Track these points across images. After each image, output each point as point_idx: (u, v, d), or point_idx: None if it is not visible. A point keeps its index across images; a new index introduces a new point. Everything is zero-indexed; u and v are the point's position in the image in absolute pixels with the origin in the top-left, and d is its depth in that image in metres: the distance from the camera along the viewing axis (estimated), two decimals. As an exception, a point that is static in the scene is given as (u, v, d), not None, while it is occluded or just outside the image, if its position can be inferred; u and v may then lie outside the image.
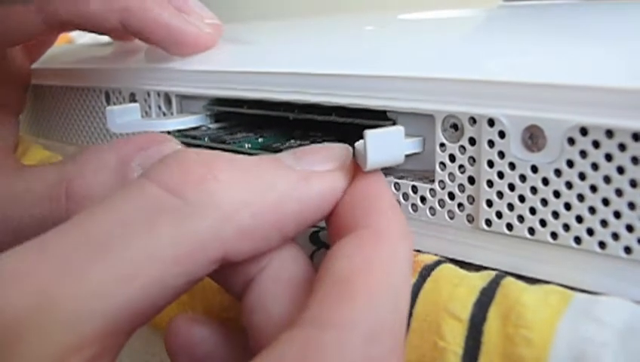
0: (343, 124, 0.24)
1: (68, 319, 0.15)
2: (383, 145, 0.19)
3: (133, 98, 0.31)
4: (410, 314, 0.19)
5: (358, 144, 0.20)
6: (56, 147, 0.39)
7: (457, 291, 0.18)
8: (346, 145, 0.21)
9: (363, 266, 0.16)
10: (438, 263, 0.19)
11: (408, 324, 0.18)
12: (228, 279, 0.19)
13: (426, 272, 0.19)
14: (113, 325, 0.15)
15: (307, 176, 0.19)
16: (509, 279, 0.18)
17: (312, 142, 0.25)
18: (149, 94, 0.30)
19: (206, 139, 0.26)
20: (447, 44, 0.23)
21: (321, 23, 0.31)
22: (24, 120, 0.41)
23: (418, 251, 0.22)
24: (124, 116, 0.27)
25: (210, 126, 0.28)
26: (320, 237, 0.21)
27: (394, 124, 0.22)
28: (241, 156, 0.19)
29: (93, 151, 0.25)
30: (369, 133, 0.19)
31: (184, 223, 0.16)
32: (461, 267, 0.20)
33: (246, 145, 0.24)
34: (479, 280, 0.18)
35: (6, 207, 0.25)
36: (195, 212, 0.16)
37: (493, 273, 0.19)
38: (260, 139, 0.25)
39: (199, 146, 0.26)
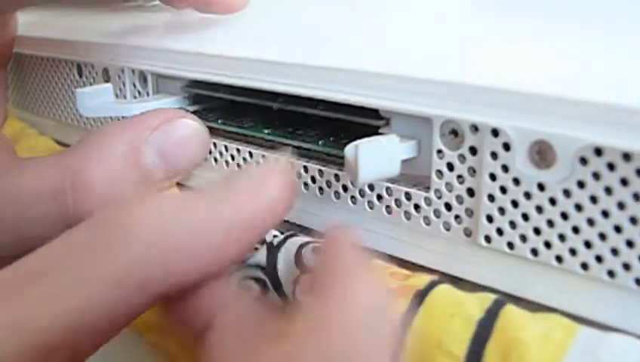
0: (330, 118, 0.22)
1: None
2: (376, 159, 0.17)
3: (106, 74, 0.29)
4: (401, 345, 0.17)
5: (349, 153, 0.18)
6: (28, 118, 0.37)
7: (452, 323, 0.17)
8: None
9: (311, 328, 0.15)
10: (430, 286, 0.18)
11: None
12: (188, 320, 0.18)
13: (418, 299, 0.17)
14: (43, 346, 0.15)
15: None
16: (508, 308, 0.17)
17: (296, 135, 0.23)
18: (123, 71, 0.28)
19: None
20: (448, 39, 0.21)
21: (313, 6, 0.28)
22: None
23: (408, 265, 0.20)
24: (95, 98, 0.25)
25: (188, 109, 0.26)
26: (303, 259, 0.20)
27: (387, 123, 0.20)
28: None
29: (96, 138, 0.22)
30: (361, 147, 0.17)
31: (121, 248, 0.16)
32: (456, 283, 0.19)
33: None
34: (476, 309, 0.17)
35: (1, 204, 0.22)
36: (126, 237, 0.16)
37: (491, 298, 0.17)
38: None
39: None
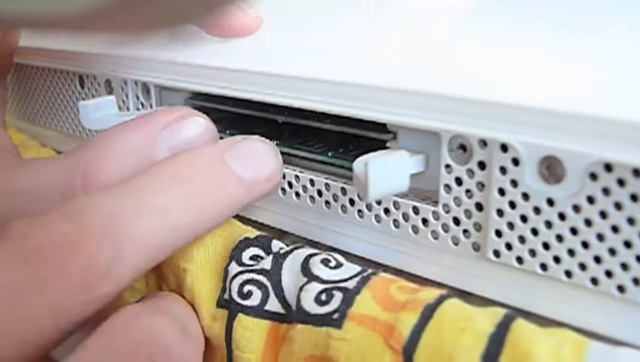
0: (338, 131, 0.22)
1: None
2: (386, 174, 0.17)
3: (108, 85, 0.29)
4: (411, 360, 0.17)
5: (358, 168, 0.18)
6: (29, 129, 0.36)
7: (463, 338, 0.17)
8: None
9: None
10: (440, 300, 0.18)
11: None
12: None
13: (427, 313, 0.17)
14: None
15: None
16: (519, 322, 0.17)
17: (305, 145, 0.23)
18: (125, 83, 0.28)
19: None
20: (457, 54, 0.21)
21: (318, 16, 0.28)
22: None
23: (416, 279, 0.20)
24: (98, 111, 0.25)
25: (193, 121, 0.26)
26: (310, 268, 0.20)
27: (394, 137, 0.20)
28: None
29: (109, 136, 0.22)
30: (371, 163, 0.17)
31: None
32: (465, 297, 0.19)
33: None
34: (486, 324, 0.17)
35: (5, 203, 0.22)
36: None
37: (502, 313, 0.17)
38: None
39: None
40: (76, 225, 0.18)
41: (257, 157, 0.21)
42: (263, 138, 0.22)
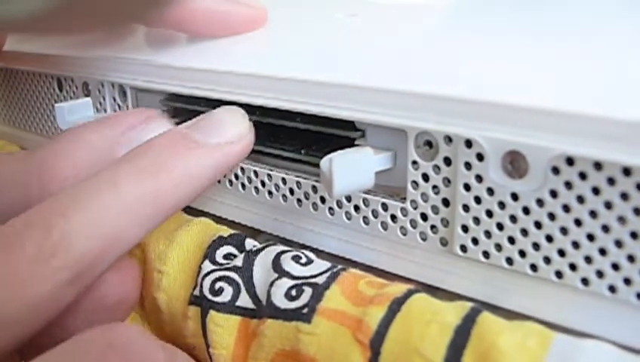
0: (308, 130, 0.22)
1: None
2: (350, 171, 0.18)
3: (86, 88, 0.29)
4: (379, 353, 0.17)
5: (324, 165, 0.18)
6: (11, 132, 0.37)
7: (429, 330, 0.17)
8: None
9: None
10: (408, 295, 0.18)
11: None
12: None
13: (395, 307, 0.18)
14: None
15: None
16: (485, 316, 0.17)
17: (278, 144, 0.23)
18: (102, 85, 0.28)
19: None
20: (422, 52, 0.21)
21: (288, 16, 0.29)
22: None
23: (386, 275, 0.20)
24: (75, 113, 0.25)
25: (169, 122, 0.26)
26: (281, 264, 0.20)
27: (363, 135, 0.20)
28: None
29: (73, 132, 0.22)
30: (335, 160, 0.17)
31: None
32: (433, 292, 0.19)
33: None
34: (453, 317, 0.17)
35: None
36: None
37: (468, 306, 0.18)
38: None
39: None
40: (33, 210, 0.18)
41: (219, 123, 0.21)
42: (230, 106, 0.22)
